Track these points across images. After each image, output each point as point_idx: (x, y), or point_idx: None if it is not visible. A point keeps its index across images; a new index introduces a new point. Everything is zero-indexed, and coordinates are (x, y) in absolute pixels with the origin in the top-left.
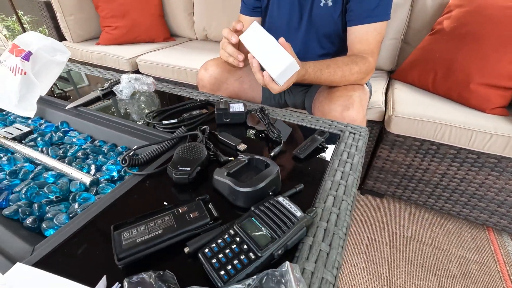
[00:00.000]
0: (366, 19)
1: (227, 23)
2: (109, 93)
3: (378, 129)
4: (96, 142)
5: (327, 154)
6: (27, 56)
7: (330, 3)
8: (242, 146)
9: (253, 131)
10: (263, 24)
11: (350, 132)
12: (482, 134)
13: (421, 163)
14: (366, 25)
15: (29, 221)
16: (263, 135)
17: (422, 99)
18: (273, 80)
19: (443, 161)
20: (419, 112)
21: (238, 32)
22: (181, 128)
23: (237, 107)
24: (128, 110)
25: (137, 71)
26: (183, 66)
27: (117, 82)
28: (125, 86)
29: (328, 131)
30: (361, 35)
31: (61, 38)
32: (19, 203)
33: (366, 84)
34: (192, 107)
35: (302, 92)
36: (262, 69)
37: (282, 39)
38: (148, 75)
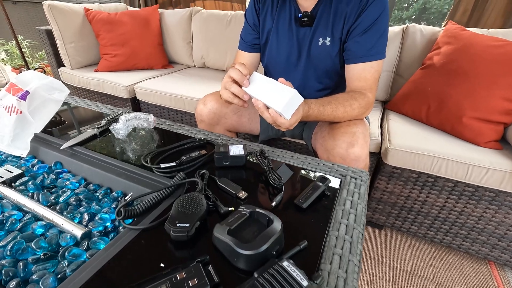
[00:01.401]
0: (363, 58)
1: (224, 52)
2: (107, 130)
3: (375, 161)
4: (90, 186)
5: (330, 202)
6: (24, 96)
7: (328, 43)
8: (242, 194)
9: (253, 175)
10: (262, 60)
11: (351, 177)
12: (478, 168)
13: (419, 195)
14: (364, 64)
15: (12, 285)
16: (263, 177)
17: (417, 131)
18: (280, 115)
19: (441, 194)
20: (415, 145)
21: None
22: (180, 173)
23: (236, 150)
24: (125, 149)
25: (135, 98)
26: (180, 95)
27: (115, 119)
28: (122, 127)
29: (329, 175)
30: (359, 73)
31: (60, 64)
32: (3, 261)
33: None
34: (191, 147)
35: (301, 123)
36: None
37: (282, 79)
38: (148, 113)
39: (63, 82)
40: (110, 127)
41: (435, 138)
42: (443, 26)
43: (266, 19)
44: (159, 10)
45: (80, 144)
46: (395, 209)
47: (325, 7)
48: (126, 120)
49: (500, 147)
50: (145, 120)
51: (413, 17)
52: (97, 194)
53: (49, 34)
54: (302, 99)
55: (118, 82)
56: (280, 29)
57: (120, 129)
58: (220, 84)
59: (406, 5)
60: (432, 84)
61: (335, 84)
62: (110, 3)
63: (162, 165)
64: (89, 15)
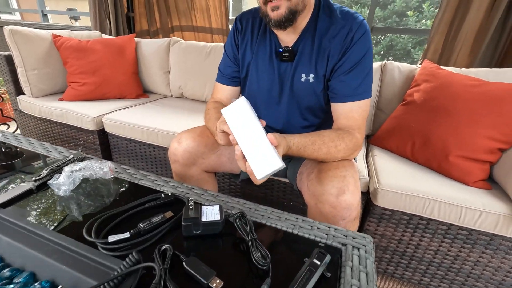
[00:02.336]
0: (350, 98)
1: (203, 83)
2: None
3: (364, 201)
4: (5, 271)
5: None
6: None
7: (311, 79)
8: (216, 284)
9: (233, 249)
10: (242, 93)
11: (353, 247)
12: (471, 210)
13: (411, 238)
14: (351, 103)
15: None
16: (245, 251)
17: (405, 169)
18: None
19: (435, 237)
20: (405, 185)
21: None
22: (132, 255)
23: (211, 213)
24: (68, 211)
25: (102, 130)
26: (154, 127)
27: (58, 169)
28: (65, 181)
29: (327, 241)
30: (346, 112)
31: (19, 92)
32: None
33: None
34: (155, 206)
35: (285, 160)
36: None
37: (270, 135)
38: (105, 160)
39: (21, 111)
40: (50, 181)
41: (423, 176)
42: (419, 64)
43: (245, 52)
44: (135, 39)
45: (6, 204)
46: (387, 253)
47: (306, 43)
48: (72, 172)
49: (489, 187)
50: (99, 170)
51: (382, 52)
52: (12, 285)
53: (9, 60)
54: (285, 166)
55: (85, 113)
56: (260, 63)
57: (62, 184)
58: (199, 115)
59: (375, 42)
60: (415, 121)
61: (321, 120)
62: (83, 30)
63: (110, 238)
64: (57, 42)
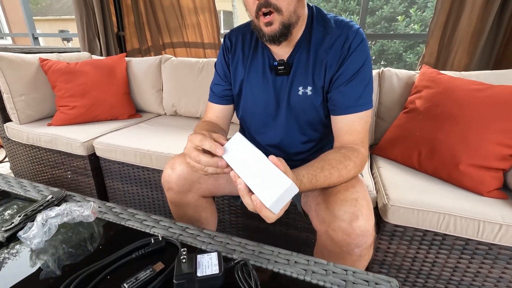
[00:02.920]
0: (351, 109)
1: (197, 100)
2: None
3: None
4: None
5: None
6: None
7: (309, 92)
8: None
9: None
10: (236, 112)
11: None
12: (490, 224)
13: (427, 256)
14: (353, 115)
15: None
16: None
17: (413, 180)
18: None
19: (452, 253)
20: (416, 199)
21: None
22: None
23: (208, 264)
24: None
25: (94, 155)
26: (147, 150)
27: (33, 215)
28: (37, 234)
29: None
30: (348, 126)
31: (6, 119)
32: None
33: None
34: (143, 256)
35: None
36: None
37: (272, 157)
38: (88, 201)
39: (9, 139)
40: (20, 234)
41: (434, 188)
42: (418, 69)
43: (237, 70)
44: (126, 58)
45: None
46: (401, 272)
47: (302, 55)
48: (46, 220)
49: (505, 196)
50: (80, 214)
51: (373, 57)
52: None
53: None
54: (297, 189)
55: (74, 138)
56: (253, 79)
57: (34, 237)
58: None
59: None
60: (419, 129)
61: (321, 135)
62: (72, 52)
63: None
64: (45, 66)
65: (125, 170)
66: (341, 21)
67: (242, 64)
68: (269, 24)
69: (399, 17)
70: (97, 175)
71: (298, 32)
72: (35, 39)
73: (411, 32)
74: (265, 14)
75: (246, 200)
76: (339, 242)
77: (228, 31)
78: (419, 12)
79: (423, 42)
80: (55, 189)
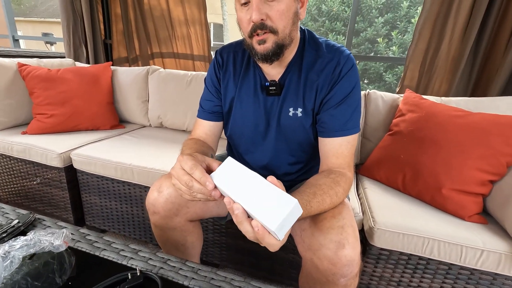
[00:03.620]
0: (339, 132)
1: (184, 112)
2: None
3: (359, 239)
4: None
5: None
6: None
7: (300, 114)
8: None
9: None
10: (225, 130)
11: None
12: (472, 249)
13: (411, 280)
14: (340, 138)
15: None
16: None
17: (398, 203)
18: (269, 233)
19: (435, 278)
20: (401, 223)
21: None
22: None
23: None
24: None
25: (71, 167)
26: (129, 164)
27: None
28: None
29: None
30: (335, 148)
31: None
32: None
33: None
34: None
35: None
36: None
37: (272, 178)
38: (60, 226)
39: None
40: None
41: (418, 211)
42: (397, 92)
43: (228, 87)
44: (112, 67)
45: None
46: None
47: (293, 76)
48: (9, 252)
49: (485, 221)
50: (50, 244)
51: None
52: None
53: None
54: (301, 211)
55: (50, 148)
56: (244, 97)
57: None
58: (178, 146)
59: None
60: (404, 152)
61: (309, 156)
62: (54, 57)
63: None
64: (23, 71)
65: (104, 184)
66: (332, 46)
67: (233, 82)
68: (262, 42)
69: (379, 39)
70: (72, 188)
71: (290, 54)
72: (15, 41)
73: (390, 54)
74: (258, 34)
75: (245, 227)
76: (324, 271)
77: (220, 47)
78: (400, 36)
79: (402, 64)
80: (23, 212)
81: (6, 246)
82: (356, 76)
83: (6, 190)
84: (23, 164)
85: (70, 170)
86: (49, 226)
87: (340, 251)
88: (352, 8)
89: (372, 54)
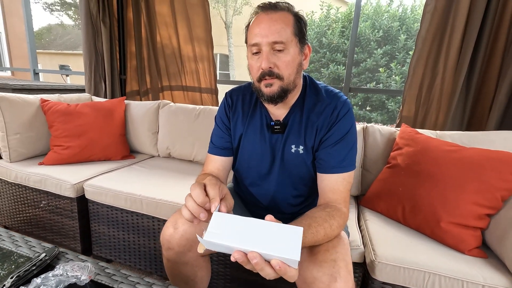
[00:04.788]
0: (336, 169)
1: (192, 144)
2: None
3: (361, 273)
4: None
5: None
6: None
7: (301, 151)
8: None
9: None
10: (233, 163)
11: None
12: (473, 284)
13: None
14: (336, 175)
15: None
16: None
17: (398, 235)
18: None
19: None
20: (402, 257)
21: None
22: None
23: None
24: None
25: (83, 197)
26: (138, 195)
27: (26, 276)
28: None
29: None
30: (331, 184)
31: None
32: None
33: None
34: None
35: None
36: None
37: (270, 216)
38: (82, 260)
39: None
40: None
41: (418, 244)
42: (396, 124)
43: (237, 125)
44: (125, 101)
45: None
46: None
47: (295, 117)
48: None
49: (485, 255)
50: (76, 279)
51: (359, 103)
52: None
53: None
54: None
55: (64, 179)
56: (251, 134)
57: None
58: (186, 176)
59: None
60: (402, 184)
61: (310, 190)
62: (73, 93)
63: None
64: (45, 106)
65: (113, 214)
66: (331, 91)
67: (241, 121)
68: (269, 85)
69: (380, 69)
70: (82, 218)
71: (293, 97)
72: (36, 74)
73: (392, 83)
74: (266, 78)
75: (267, 271)
76: None
77: (223, 79)
78: (399, 66)
79: (401, 95)
80: (48, 245)
81: (38, 280)
82: (352, 119)
83: (18, 218)
84: (37, 193)
85: (81, 200)
86: (72, 260)
87: (333, 284)
88: (350, 41)
89: (373, 83)
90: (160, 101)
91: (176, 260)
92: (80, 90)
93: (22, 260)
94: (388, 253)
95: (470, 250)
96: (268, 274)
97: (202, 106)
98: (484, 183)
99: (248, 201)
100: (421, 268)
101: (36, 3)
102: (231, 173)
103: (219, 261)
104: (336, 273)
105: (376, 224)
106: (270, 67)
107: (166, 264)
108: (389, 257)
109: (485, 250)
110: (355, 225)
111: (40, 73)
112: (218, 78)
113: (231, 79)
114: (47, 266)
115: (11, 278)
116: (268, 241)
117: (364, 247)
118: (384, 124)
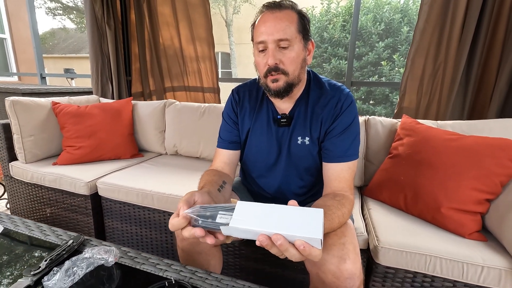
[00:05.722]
0: (341, 158)
1: (197, 141)
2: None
3: (366, 259)
4: None
5: None
6: None
7: (307, 142)
8: None
9: None
10: (240, 156)
11: None
12: (473, 266)
13: None
14: (342, 164)
15: None
16: None
17: (401, 222)
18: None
19: None
20: (404, 241)
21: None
22: None
23: None
24: None
25: (96, 194)
26: (149, 190)
27: (58, 259)
28: (61, 280)
29: None
30: (337, 173)
31: (12, 158)
32: None
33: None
34: None
35: None
36: None
37: (292, 201)
38: (110, 246)
39: (12, 177)
40: (45, 282)
41: (420, 230)
42: (394, 115)
43: (244, 120)
44: (132, 101)
45: None
46: None
47: (301, 110)
48: (71, 267)
49: (484, 239)
50: (104, 261)
51: (362, 97)
52: None
53: (6, 127)
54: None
55: (78, 178)
56: (258, 128)
57: (60, 280)
58: (193, 173)
59: (355, 88)
60: (403, 174)
61: (316, 180)
62: (81, 95)
63: None
64: (56, 109)
65: (126, 210)
66: (334, 85)
67: (248, 116)
68: (275, 80)
69: (383, 62)
70: (96, 214)
71: (298, 91)
72: (43, 78)
73: (396, 75)
74: (273, 74)
75: (291, 252)
76: (329, 284)
77: (224, 77)
78: (402, 58)
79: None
80: (74, 234)
81: (70, 262)
82: (355, 111)
83: (35, 216)
84: (53, 192)
85: (95, 197)
86: (96, 245)
87: (342, 265)
88: (351, 35)
89: (376, 77)
90: (166, 100)
91: (191, 250)
92: (87, 92)
93: (52, 246)
94: (390, 239)
95: (470, 234)
96: (293, 255)
97: (207, 104)
98: (483, 169)
99: (256, 193)
100: (422, 251)
101: (39, 8)
102: (239, 167)
103: (228, 251)
104: (345, 255)
105: (379, 213)
106: (276, 63)
107: (181, 254)
108: (392, 243)
109: (485, 234)
110: (358, 214)
111: (46, 77)
112: (220, 77)
113: (233, 77)
114: (74, 251)
115: (45, 261)
116: (291, 224)
117: (368, 234)
118: (388, 118)
